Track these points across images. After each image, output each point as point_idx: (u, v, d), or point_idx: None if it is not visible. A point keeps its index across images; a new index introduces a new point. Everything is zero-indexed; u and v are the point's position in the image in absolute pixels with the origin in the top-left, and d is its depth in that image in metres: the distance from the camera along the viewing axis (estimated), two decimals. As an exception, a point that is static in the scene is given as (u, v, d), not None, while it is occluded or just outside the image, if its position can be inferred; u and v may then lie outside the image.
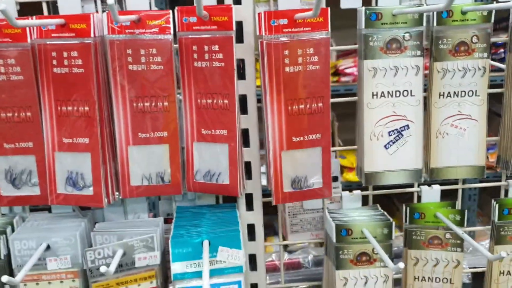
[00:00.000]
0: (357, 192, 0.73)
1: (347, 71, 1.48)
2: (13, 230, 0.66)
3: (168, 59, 0.62)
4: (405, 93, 0.65)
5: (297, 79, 0.60)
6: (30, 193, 0.65)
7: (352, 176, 1.49)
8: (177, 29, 0.62)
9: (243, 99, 0.65)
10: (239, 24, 0.62)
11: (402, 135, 0.67)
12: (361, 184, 0.69)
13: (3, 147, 0.63)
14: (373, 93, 0.65)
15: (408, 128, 0.66)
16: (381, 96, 0.65)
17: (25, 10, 0.65)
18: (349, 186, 1.46)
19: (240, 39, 0.62)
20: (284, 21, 0.58)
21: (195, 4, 0.59)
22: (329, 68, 0.60)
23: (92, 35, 0.58)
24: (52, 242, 0.62)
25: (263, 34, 0.58)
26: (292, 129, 0.62)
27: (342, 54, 1.58)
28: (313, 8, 0.63)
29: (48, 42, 0.59)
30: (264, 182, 0.68)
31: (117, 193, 0.66)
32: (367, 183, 0.68)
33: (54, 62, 0.60)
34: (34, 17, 0.59)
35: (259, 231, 0.70)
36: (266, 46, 0.58)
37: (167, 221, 0.73)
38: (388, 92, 0.65)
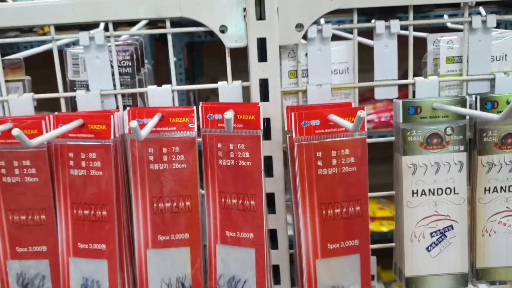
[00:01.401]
0: (396, 294, 0.66)
1: (367, 118, 1.43)
2: (23, 338, 0.62)
3: (192, 157, 0.58)
4: (448, 191, 0.60)
5: (331, 182, 0.55)
6: (42, 299, 0.61)
7: (374, 227, 1.40)
8: (201, 126, 0.58)
9: (270, 197, 0.60)
10: (267, 121, 0.58)
11: (446, 236, 0.61)
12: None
13: (15, 251, 0.59)
14: (413, 191, 0.60)
15: (452, 228, 0.60)
16: (421, 194, 0.60)
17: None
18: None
19: (267, 136, 0.59)
20: (316, 122, 0.54)
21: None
22: (366, 169, 0.55)
23: (112, 136, 0.55)
24: None
25: (294, 135, 0.54)
26: (327, 235, 0.56)
27: (361, 100, 1.53)
28: (348, 99, 0.60)
29: (65, 143, 0.56)
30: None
31: (134, 300, 0.61)
32: (408, 289, 0.62)
33: (71, 163, 0.57)
34: (50, 116, 0.57)
35: None
36: (297, 148, 0.54)
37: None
38: (430, 190, 0.60)
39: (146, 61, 0.68)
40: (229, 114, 0.47)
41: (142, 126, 0.57)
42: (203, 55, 1.97)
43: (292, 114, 0.53)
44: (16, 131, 0.40)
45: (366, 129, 0.54)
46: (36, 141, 0.43)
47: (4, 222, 0.59)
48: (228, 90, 0.59)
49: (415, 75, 0.62)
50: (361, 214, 0.56)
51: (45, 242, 0.59)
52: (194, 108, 0.58)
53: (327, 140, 0.54)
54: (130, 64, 0.61)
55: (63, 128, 0.52)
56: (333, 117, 0.52)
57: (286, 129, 0.58)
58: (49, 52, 0.64)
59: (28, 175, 0.57)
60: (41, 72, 0.83)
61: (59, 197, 0.57)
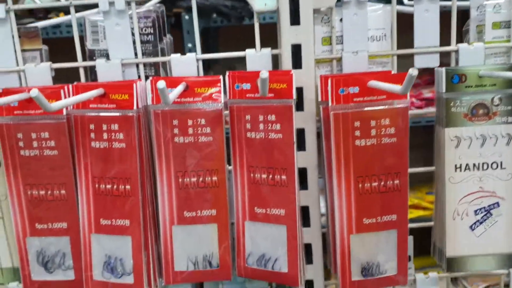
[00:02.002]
0: (434, 275, 0.63)
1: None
2: (44, 317, 0.59)
3: (219, 129, 0.54)
4: (494, 165, 0.55)
5: (369, 154, 0.51)
6: (63, 277, 0.58)
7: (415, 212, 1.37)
8: (228, 96, 0.55)
9: (302, 172, 0.57)
10: (299, 90, 0.54)
11: (491, 214, 0.56)
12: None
13: (35, 228, 0.57)
14: (456, 165, 0.55)
15: (498, 206, 0.56)
16: (465, 169, 0.55)
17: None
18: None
19: (299, 107, 0.55)
20: (355, 90, 0.50)
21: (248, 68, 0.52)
22: (407, 140, 0.51)
23: (135, 106, 0.52)
24: (86, 339, 0.55)
25: (330, 103, 0.50)
26: (363, 209, 0.53)
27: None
28: (385, 69, 0.56)
29: (85, 114, 0.53)
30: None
31: (159, 279, 0.58)
32: (450, 269, 0.58)
33: (92, 135, 0.54)
34: (70, 86, 0.54)
35: (321, 322, 0.60)
36: (333, 117, 0.50)
37: (213, 303, 0.65)
38: (474, 165, 0.55)
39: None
40: (265, 74, 0.43)
41: (165, 96, 0.54)
42: (218, 41, 1.92)
43: (329, 80, 0.49)
44: (34, 92, 0.36)
45: (408, 97, 0.50)
46: (56, 105, 0.40)
47: (22, 197, 0.56)
48: (256, 58, 0.56)
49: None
50: (400, 188, 0.52)
51: (66, 218, 0.56)
52: (221, 77, 0.54)
53: (366, 109, 0.50)
54: (152, 31, 0.57)
55: (84, 95, 0.49)
56: (374, 83, 0.48)
57: (319, 99, 0.54)
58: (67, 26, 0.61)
59: (47, 148, 0.54)
60: (58, 44, 0.79)
61: (79, 171, 0.55)
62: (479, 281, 1.28)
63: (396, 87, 0.43)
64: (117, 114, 0.53)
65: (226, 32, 1.75)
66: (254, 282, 0.62)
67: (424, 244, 0.68)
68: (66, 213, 0.56)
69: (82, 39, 0.58)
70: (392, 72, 0.55)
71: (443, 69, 0.54)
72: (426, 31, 0.56)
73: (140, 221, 0.54)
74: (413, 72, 0.38)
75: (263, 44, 0.55)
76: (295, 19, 0.52)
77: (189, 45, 1.12)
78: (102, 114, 0.53)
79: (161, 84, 0.39)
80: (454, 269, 0.58)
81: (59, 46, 0.76)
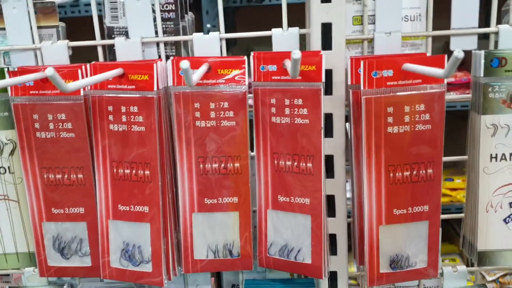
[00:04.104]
0: (462, 269, 0.60)
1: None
2: (60, 303, 0.58)
3: (242, 113, 0.52)
4: (533, 155, 0.52)
5: (402, 141, 0.48)
6: (80, 264, 0.56)
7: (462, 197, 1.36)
8: (252, 79, 0.52)
9: (328, 159, 0.54)
10: (328, 73, 0.51)
11: (527, 207, 0.54)
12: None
13: (51, 212, 0.55)
14: (491, 155, 0.52)
15: (535, 198, 0.53)
16: (501, 159, 0.52)
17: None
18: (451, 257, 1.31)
19: (328, 90, 0.52)
20: (389, 73, 0.47)
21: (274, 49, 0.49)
22: (443, 127, 0.48)
23: (155, 88, 0.49)
24: (103, 327, 0.54)
25: (362, 87, 0.47)
26: (393, 200, 0.50)
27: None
28: (417, 51, 0.53)
29: (103, 95, 0.51)
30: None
31: (179, 267, 0.56)
32: (480, 264, 0.55)
33: (111, 117, 0.51)
34: (87, 65, 0.51)
35: (344, 315, 0.58)
36: (365, 102, 0.47)
37: (232, 292, 0.64)
38: (511, 155, 0.52)
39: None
40: (297, 54, 0.40)
41: (187, 78, 0.51)
42: (235, 22, 1.88)
43: (362, 62, 0.46)
44: (50, 71, 0.34)
45: (445, 82, 0.47)
46: (73, 85, 0.38)
47: (38, 181, 0.54)
48: (283, 38, 0.53)
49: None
50: (433, 178, 0.49)
51: (83, 203, 0.54)
52: (245, 58, 0.51)
53: (400, 93, 0.47)
54: (173, 8, 0.55)
55: (103, 75, 0.47)
56: (411, 66, 0.45)
57: (349, 83, 0.51)
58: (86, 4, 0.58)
59: (63, 130, 0.52)
60: (75, 23, 0.77)
61: (97, 154, 0.52)
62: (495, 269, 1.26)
63: (437, 71, 0.40)
64: (137, 95, 0.50)
65: (243, 13, 1.71)
66: (275, 272, 0.60)
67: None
68: (83, 198, 0.54)
69: (100, 19, 0.56)
70: (427, 55, 0.52)
71: (482, 52, 0.51)
72: (465, 11, 0.53)
73: (160, 207, 0.52)
74: (459, 54, 0.35)
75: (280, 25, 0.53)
76: (325, -3, 0.49)
77: (208, 25, 1.09)
78: (120, 95, 0.51)
79: (185, 64, 0.37)
80: (485, 263, 0.55)
81: (77, 25, 0.74)
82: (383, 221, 0.51)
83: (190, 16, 0.60)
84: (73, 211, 0.55)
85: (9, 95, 0.52)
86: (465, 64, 1.49)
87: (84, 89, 0.51)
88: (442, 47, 0.65)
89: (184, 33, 0.56)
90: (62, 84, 0.36)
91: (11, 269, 0.60)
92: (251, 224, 0.55)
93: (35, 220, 0.55)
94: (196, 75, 0.44)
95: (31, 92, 0.52)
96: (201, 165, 0.53)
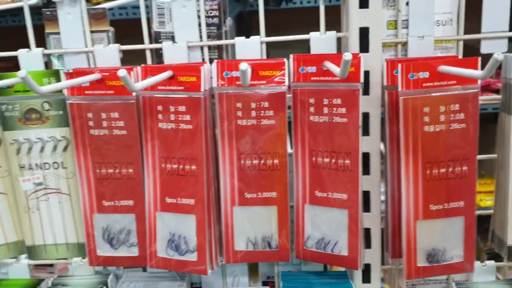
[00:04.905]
0: (491, 264, 0.62)
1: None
2: (107, 291, 0.62)
3: (282, 113, 0.55)
4: (562, 154, 0.54)
5: (438, 140, 0.51)
6: (127, 254, 0.60)
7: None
8: (291, 79, 0.55)
9: (365, 157, 0.57)
10: (365, 74, 0.54)
11: (556, 203, 0.56)
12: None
13: (102, 205, 0.59)
14: (521, 153, 0.55)
15: None
16: (531, 157, 0.55)
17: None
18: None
19: (365, 91, 0.55)
20: (425, 74, 0.49)
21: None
22: (477, 126, 0.51)
23: (202, 88, 0.53)
24: (151, 312, 0.57)
25: (400, 88, 0.50)
26: (430, 196, 0.53)
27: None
28: (448, 54, 0.55)
29: (154, 96, 0.55)
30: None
31: (220, 258, 0.59)
32: (510, 259, 0.57)
33: (160, 116, 0.55)
34: (138, 68, 0.55)
35: (376, 306, 0.61)
36: (402, 102, 0.50)
37: (268, 284, 0.67)
38: (541, 153, 0.55)
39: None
40: (348, 56, 0.43)
41: (230, 80, 0.55)
42: (252, 27, 1.91)
43: (399, 65, 0.49)
44: (122, 72, 0.38)
45: (479, 82, 0.50)
46: (139, 85, 0.42)
47: (91, 175, 0.58)
48: (321, 41, 0.56)
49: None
50: (468, 175, 0.52)
51: (132, 196, 0.58)
52: (286, 60, 0.55)
53: (435, 94, 0.50)
54: (217, 14, 0.58)
55: (159, 76, 0.50)
56: (447, 68, 0.47)
57: (385, 84, 0.54)
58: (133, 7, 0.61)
59: (116, 128, 0.56)
60: (122, 26, 0.80)
61: (147, 150, 0.56)
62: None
63: (476, 72, 0.43)
64: (185, 95, 0.54)
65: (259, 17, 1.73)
66: (309, 265, 0.63)
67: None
68: (132, 191, 0.58)
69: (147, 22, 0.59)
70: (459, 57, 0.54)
71: (513, 55, 0.53)
72: (495, 14, 0.55)
73: (205, 200, 0.55)
74: (498, 56, 0.37)
75: (300, 30, 0.56)
76: (363, 2, 0.52)
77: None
78: (170, 95, 0.54)
79: (244, 65, 0.40)
80: (515, 258, 0.57)
81: (123, 28, 0.77)
82: (420, 216, 0.53)
83: (229, 21, 0.63)
84: (123, 204, 0.58)
85: (65, 95, 0.56)
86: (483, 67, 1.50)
87: (135, 89, 0.55)
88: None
89: (225, 38, 0.59)
90: (131, 84, 0.40)
91: (59, 259, 0.64)
92: (288, 218, 0.58)
93: (86, 212, 0.59)
94: (248, 74, 0.47)
95: (86, 92, 0.56)
96: (242, 161, 0.56)
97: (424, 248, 0.54)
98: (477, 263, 0.62)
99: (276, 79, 0.54)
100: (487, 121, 0.61)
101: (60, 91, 0.58)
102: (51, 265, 1.03)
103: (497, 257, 0.63)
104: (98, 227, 0.60)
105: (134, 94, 0.55)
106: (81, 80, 0.50)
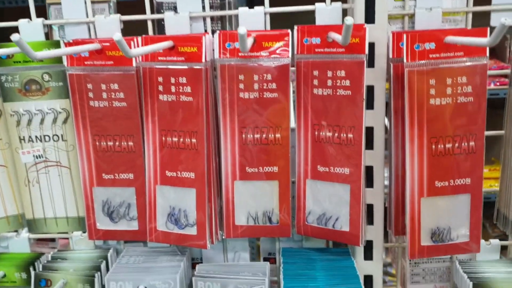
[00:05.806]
0: (496, 242, 0.61)
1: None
2: (107, 265, 0.62)
3: (285, 85, 0.54)
4: None
5: (444, 113, 0.50)
6: (127, 227, 0.60)
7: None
8: (295, 51, 0.54)
9: (368, 131, 0.56)
10: (370, 46, 0.53)
11: None
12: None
13: (102, 178, 0.58)
14: (529, 129, 0.53)
15: None
16: (539, 133, 0.53)
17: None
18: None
19: (370, 63, 0.53)
20: (431, 45, 0.48)
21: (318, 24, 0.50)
22: (485, 100, 0.49)
23: (203, 60, 0.52)
24: (150, 286, 0.57)
25: (405, 60, 0.48)
26: (435, 172, 0.51)
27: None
28: (458, 27, 0.54)
29: (154, 67, 0.54)
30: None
31: (220, 232, 0.59)
32: (515, 237, 0.57)
33: (160, 88, 0.54)
34: (139, 38, 0.54)
35: (378, 283, 0.60)
36: (408, 74, 0.49)
37: (269, 260, 0.66)
38: (549, 129, 0.53)
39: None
40: (350, 20, 0.41)
41: (232, 51, 0.54)
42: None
43: (404, 35, 0.48)
44: (117, 36, 0.37)
45: (487, 54, 0.48)
46: (135, 51, 0.41)
47: (91, 148, 0.57)
48: (327, 12, 0.54)
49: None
50: (476, 151, 0.51)
51: (132, 169, 0.58)
52: (289, 31, 0.53)
53: (442, 66, 0.49)
54: (220, -16, 0.57)
55: (158, 45, 0.49)
56: (453, 38, 0.46)
57: (390, 56, 0.53)
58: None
59: (116, 100, 0.55)
60: None
61: (147, 123, 0.55)
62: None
63: (482, 40, 0.42)
64: (185, 67, 0.53)
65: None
66: (311, 241, 0.63)
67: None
68: (132, 164, 0.57)
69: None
70: (468, 30, 0.53)
71: (523, 28, 0.51)
72: (506, -13, 0.53)
73: (205, 174, 0.54)
74: (506, 21, 0.36)
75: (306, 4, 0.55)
76: (369, -28, 0.51)
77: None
78: (170, 66, 0.53)
79: (242, 30, 0.39)
80: (520, 236, 0.56)
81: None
82: (425, 193, 0.52)
83: (233, -8, 0.62)
84: (123, 177, 0.58)
85: (65, 65, 0.55)
86: (495, 52, 1.47)
87: (136, 60, 0.54)
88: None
89: (229, 8, 0.58)
90: (127, 50, 0.39)
91: (59, 233, 0.64)
92: (290, 193, 0.57)
93: (86, 185, 0.59)
94: (248, 42, 0.46)
95: (86, 62, 0.55)
96: (244, 135, 0.55)
97: (428, 227, 0.53)
98: (481, 242, 0.61)
99: (278, 51, 0.53)
100: (498, 106, 0.59)
101: (61, 62, 0.57)
102: (53, 240, 1.03)
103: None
104: (98, 200, 0.59)
105: (134, 65, 0.54)
106: (79, 49, 0.49)
